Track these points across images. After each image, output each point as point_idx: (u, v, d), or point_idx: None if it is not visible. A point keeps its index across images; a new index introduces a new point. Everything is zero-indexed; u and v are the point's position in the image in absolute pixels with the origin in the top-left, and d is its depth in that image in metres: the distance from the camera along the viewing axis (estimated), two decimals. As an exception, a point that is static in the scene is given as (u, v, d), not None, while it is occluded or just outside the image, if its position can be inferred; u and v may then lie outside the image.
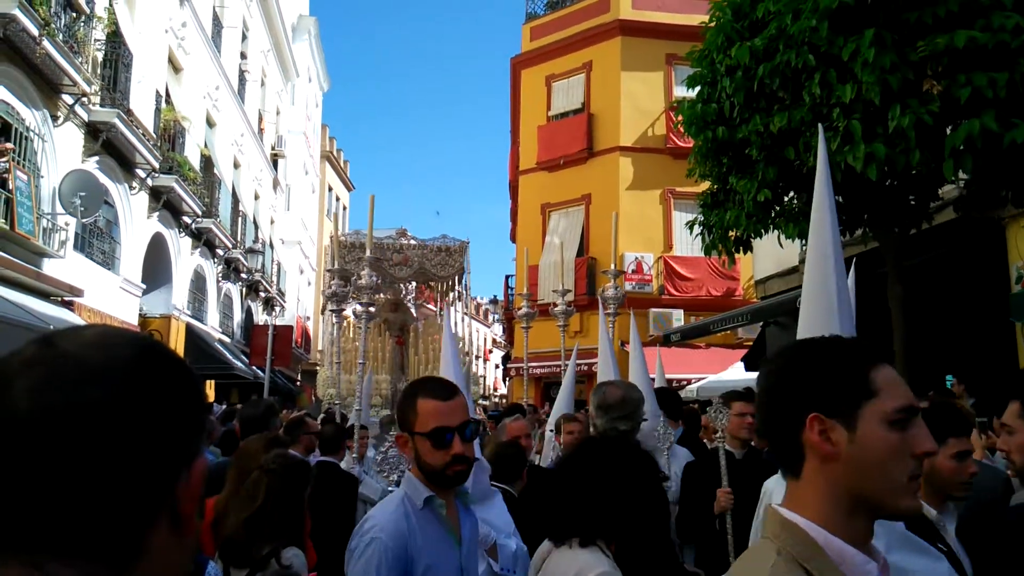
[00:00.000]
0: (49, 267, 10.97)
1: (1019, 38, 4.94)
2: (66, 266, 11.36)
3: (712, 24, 6.92)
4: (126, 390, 0.71)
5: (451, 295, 16.68)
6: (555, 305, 9.61)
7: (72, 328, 0.78)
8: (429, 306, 20.56)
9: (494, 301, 54.61)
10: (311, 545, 3.16)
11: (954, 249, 8.76)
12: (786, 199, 7.02)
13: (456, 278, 16.90)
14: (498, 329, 53.85)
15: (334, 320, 8.01)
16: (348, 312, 12.80)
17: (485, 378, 45.90)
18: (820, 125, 2.43)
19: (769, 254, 11.84)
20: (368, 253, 6.94)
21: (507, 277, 24.89)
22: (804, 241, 7.21)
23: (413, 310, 17.72)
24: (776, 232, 7.12)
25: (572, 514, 2.10)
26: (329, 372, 16.03)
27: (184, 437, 0.76)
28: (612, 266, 7.69)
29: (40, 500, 0.67)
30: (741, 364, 13.99)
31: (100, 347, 0.73)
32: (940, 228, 7.90)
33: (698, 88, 7.09)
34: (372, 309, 7.20)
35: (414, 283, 17.32)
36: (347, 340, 14.55)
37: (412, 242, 16.31)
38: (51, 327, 8.52)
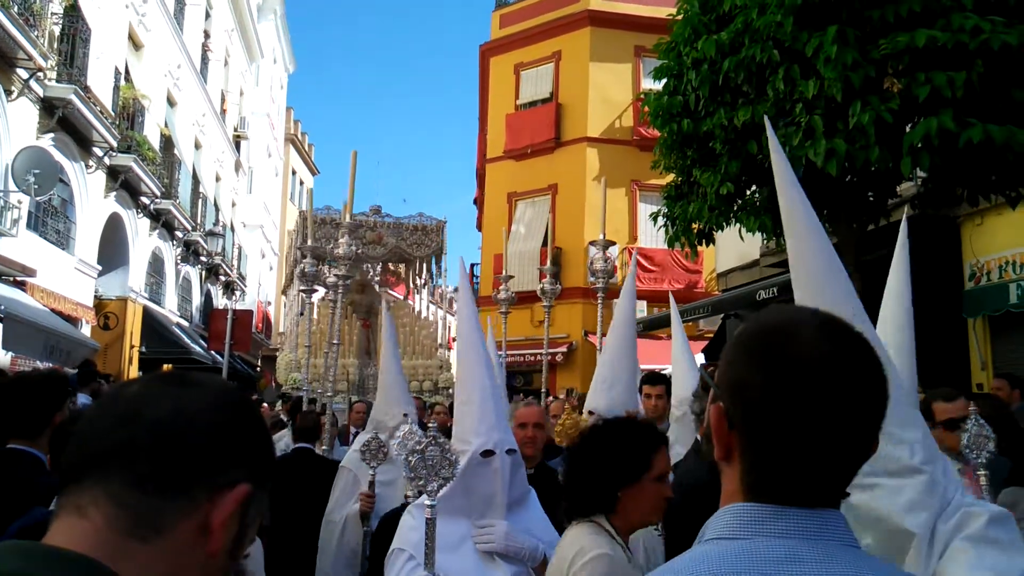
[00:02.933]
0: (0, 246, 10.67)
1: (977, 39, 5.03)
2: (18, 245, 11.06)
3: (680, 17, 6.96)
4: (216, 403, 0.91)
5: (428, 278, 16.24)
6: (539, 289, 9.20)
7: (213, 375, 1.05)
8: (393, 292, 20.39)
9: (457, 290, 54.36)
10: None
11: (911, 246, 8.94)
12: (748, 193, 7.10)
13: (433, 258, 16.44)
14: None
15: (305, 300, 7.37)
16: (316, 298, 12.50)
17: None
18: (767, 117, 2.42)
19: (731, 247, 11.99)
20: (347, 218, 6.31)
21: (472, 265, 24.80)
22: (765, 235, 7.30)
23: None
24: (738, 225, 7.20)
25: (570, 493, 2.21)
26: (293, 355, 15.73)
27: (234, 460, 0.89)
28: (601, 235, 6.75)
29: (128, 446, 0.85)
30: (702, 355, 14.17)
31: (219, 383, 0.97)
32: (898, 224, 8.05)
33: (664, 80, 7.13)
34: (348, 282, 6.57)
35: (379, 265, 17.03)
36: (313, 322, 14.25)
37: (387, 220, 15.82)
38: (2, 307, 8.27)
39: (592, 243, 5.41)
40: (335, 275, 6.43)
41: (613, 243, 6.07)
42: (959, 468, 3.32)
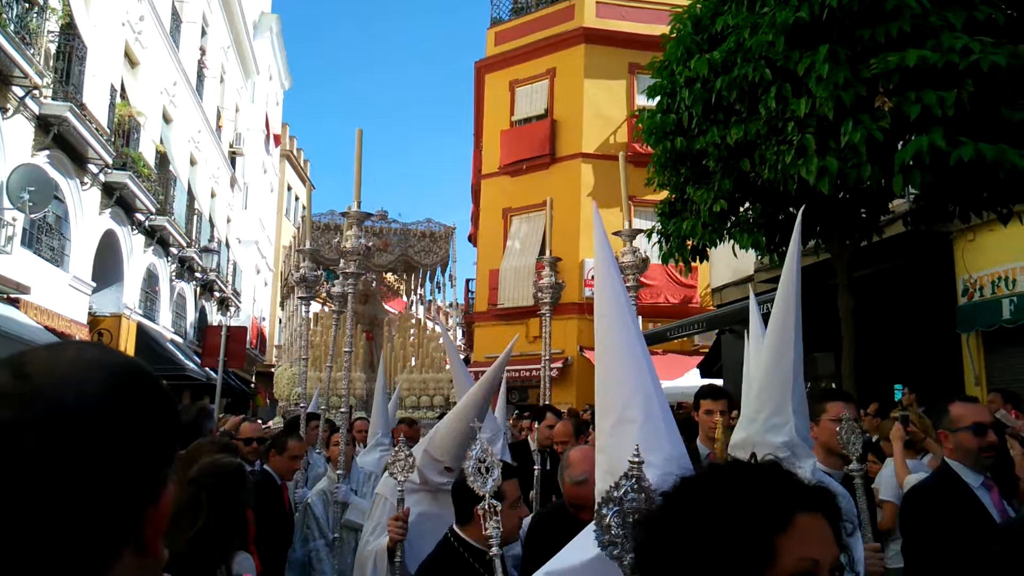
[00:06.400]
0: (-6, 263, 10.66)
1: (967, 59, 5.08)
2: (13, 262, 11.04)
3: (673, 36, 7.01)
4: (99, 429, 0.70)
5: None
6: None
7: (48, 353, 0.75)
8: (388, 308, 20.29)
9: (453, 304, 54.23)
10: (255, 552, 3.08)
11: (904, 262, 8.98)
12: (741, 210, 7.13)
13: (439, 268, 15.71)
14: (457, 333, 53.41)
15: (303, 309, 6.71)
16: (310, 311, 12.09)
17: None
18: (800, 213, 2.25)
19: (725, 263, 12.02)
20: (356, 206, 4.99)
21: (467, 281, 24.81)
22: (758, 251, 7.33)
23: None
24: (731, 242, 7.23)
25: None
26: (297, 369, 15.33)
27: (155, 467, 0.75)
28: (625, 224, 5.10)
29: (7, 533, 0.66)
30: (696, 371, 14.17)
31: (75, 383, 0.71)
32: (890, 241, 8.09)
33: (658, 98, 7.18)
34: (355, 283, 5.19)
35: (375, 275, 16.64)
36: (315, 334, 13.94)
37: (394, 226, 14.92)
38: (-3, 326, 8.17)
39: (616, 233, 4.66)
40: (343, 272, 5.18)
41: (640, 231, 5.49)
42: None
